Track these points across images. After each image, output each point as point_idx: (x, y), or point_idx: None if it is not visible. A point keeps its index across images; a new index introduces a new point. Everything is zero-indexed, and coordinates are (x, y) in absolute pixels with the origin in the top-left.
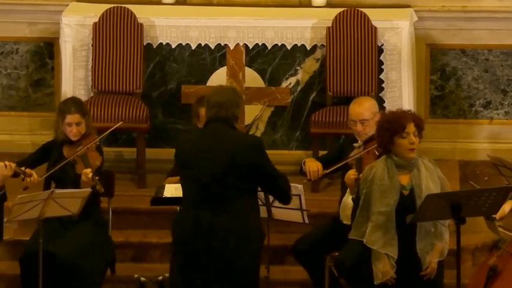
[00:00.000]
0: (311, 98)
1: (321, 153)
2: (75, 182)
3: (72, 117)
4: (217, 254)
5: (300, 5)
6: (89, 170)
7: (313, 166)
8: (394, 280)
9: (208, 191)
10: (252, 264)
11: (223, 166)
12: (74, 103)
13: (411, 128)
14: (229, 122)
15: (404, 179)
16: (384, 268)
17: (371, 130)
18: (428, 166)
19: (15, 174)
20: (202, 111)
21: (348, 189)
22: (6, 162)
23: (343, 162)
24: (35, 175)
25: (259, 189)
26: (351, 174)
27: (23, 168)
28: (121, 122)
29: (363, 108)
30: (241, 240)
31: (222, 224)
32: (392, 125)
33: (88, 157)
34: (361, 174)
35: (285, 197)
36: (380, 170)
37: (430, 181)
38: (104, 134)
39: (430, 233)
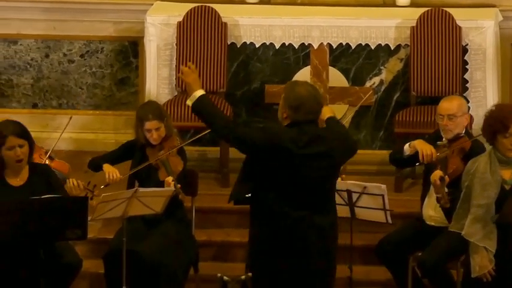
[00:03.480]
0: (395, 97)
1: None
2: (159, 183)
3: (150, 124)
4: (318, 254)
5: (384, 5)
6: (170, 179)
7: (426, 149)
8: (491, 275)
9: (313, 192)
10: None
11: (328, 167)
12: (151, 109)
13: None
14: (317, 120)
15: (507, 174)
16: (481, 262)
17: (456, 128)
18: None
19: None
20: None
21: (432, 188)
22: (75, 182)
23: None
24: (117, 174)
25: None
26: (436, 174)
27: (90, 187)
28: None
29: (453, 104)
30: (335, 236)
31: (324, 223)
32: (495, 123)
33: (169, 162)
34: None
35: None
36: (483, 163)
37: None
38: (186, 143)
39: None
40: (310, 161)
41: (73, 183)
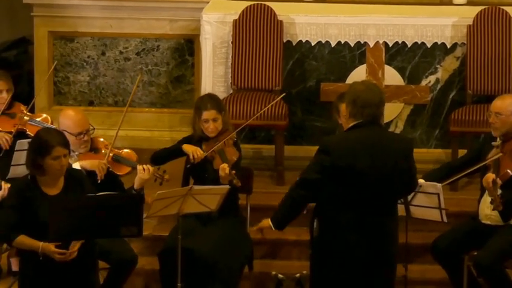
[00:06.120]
0: (451, 96)
1: (460, 152)
2: (214, 178)
3: (208, 114)
4: (384, 257)
5: (441, 3)
6: (226, 165)
7: None
8: None
9: (377, 195)
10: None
11: (391, 170)
12: (210, 99)
13: None
14: (380, 122)
15: None
16: None
17: (503, 126)
18: None
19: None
20: (343, 106)
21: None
22: (145, 166)
23: (481, 164)
24: (200, 151)
25: None
26: (489, 177)
27: (160, 172)
28: (259, 113)
29: (503, 103)
30: (396, 243)
31: (390, 227)
32: None
33: (225, 152)
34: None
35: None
36: None
37: None
38: (240, 128)
39: None
40: (370, 167)
41: (143, 168)
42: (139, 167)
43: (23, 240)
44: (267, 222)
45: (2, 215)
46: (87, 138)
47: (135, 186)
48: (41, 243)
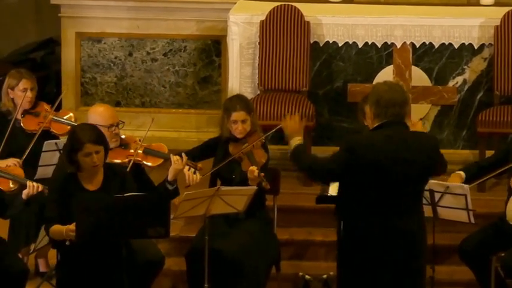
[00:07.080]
0: (478, 97)
1: (488, 153)
2: (242, 179)
3: (237, 115)
4: (405, 260)
5: (468, 4)
6: (255, 168)
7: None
8: None
9: (402, 194)
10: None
11: (416, 172)
12: (239, 100)
13: None
14: (404, 121)
15: None
16: None
17: None
18: None
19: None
20: (368, 108)
21: None
22: (177, 157)
23: (508, 166)
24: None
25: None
26: None
27: (194, 162)
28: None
29: None
30: (422, 243)
31: (415, 227)
32: None
33: (254, 154)
34: None
35: None
36: None
37: None
38: (270, 133)
39: None
40: (394, 166)
41: (176, 158)
42: (173, 158)
43: (55, 228)
44: (295, 140)
45: (46, 209)
46: (118, 131)
47: (169, 178)
48: (64, 227)
